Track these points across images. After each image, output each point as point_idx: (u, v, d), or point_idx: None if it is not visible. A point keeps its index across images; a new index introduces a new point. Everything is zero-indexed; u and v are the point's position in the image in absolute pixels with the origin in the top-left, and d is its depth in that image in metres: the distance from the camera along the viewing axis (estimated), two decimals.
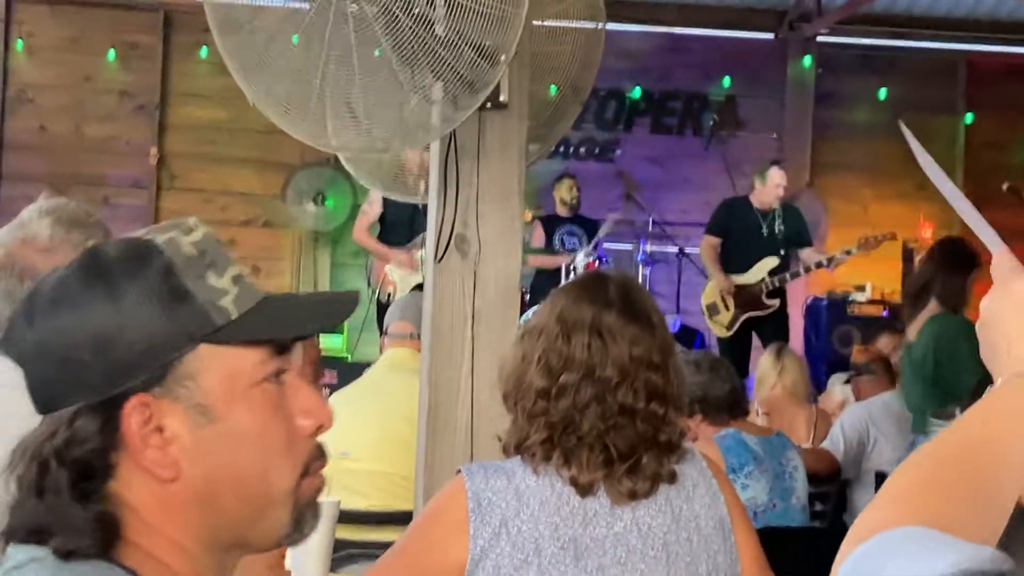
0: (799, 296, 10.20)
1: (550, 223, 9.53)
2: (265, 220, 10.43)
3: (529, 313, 3.23)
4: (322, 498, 1.34)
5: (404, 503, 3.68)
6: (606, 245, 9.75)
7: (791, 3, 10.90)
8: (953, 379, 5.04)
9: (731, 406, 4.41)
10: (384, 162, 4.10)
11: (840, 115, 11.11)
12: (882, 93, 11.02)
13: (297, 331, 1.34)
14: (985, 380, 1.27)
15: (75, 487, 1.20)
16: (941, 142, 10.58)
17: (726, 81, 10.97)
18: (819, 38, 10.95)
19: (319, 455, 1.33)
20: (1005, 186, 8.60)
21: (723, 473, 2.57)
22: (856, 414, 5.92)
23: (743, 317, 8.75)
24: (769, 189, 8.85)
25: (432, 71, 3.00)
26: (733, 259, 8.82)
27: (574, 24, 3.78)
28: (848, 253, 8.92)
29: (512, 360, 2.44)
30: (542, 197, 10.00)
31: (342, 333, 9.38)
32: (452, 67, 2.99)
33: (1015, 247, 1.34)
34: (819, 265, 8.85)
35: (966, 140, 10.97)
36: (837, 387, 7.01)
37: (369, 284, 8.69)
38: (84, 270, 1.26)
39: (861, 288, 10.17)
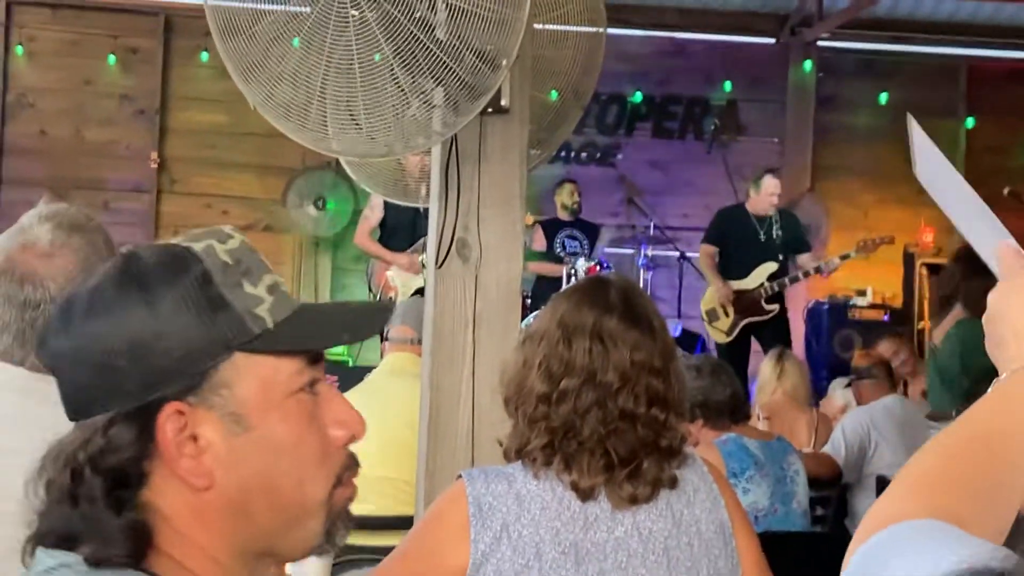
0: (800, 300, 10.20)
1: (551, 227, 9.54)
2: (266, 224, 10.43)
3: (530, 318, 3.23)
4: None
5: (405, 508, 3.68)
6: (607, 250, 9.76)
7: (792, 7, 10.91)
8: (979, 383, 5.05)
9: (732, 411, 4.41)
10: (385, 166, 4.09)
11: (841, 119, 11.12)
12: (883, 98, 11.02)
13: (332, 341, 1.33)
14: None
15: (110, 495, 1.19)
16: (942, 146, 10.38)
17: (727, 85, 10.98)
18: (820, 42, 10.96)
19: (351, 465, 1.32)
20: (1006, 191, 8.59)
21: (724, 478, 2.57)
22: (857, 418, 5.92)
23: (743, 323, 8.76)
24: (763, 197, 8.88)
25: (433, 76, 3.00)
26: (732, 266, 8.84)
27: (575, 28, 3.78)
28: (846, 257, 8.94)
29: (513, 365, 2.44)
30: (543, 201, 10.01)
31: None
32: (453, 72, 2.99)
33: None
34: (816, 271, 8.85)
35: (967, 144, 10.97)
36: (838, 391, 7.01)
37: (370, 289, 8.69)
38: (120, 276, 1.24)
39: (862, 292, 10.18)
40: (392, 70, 3.00)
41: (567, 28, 3.77)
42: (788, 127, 11.02)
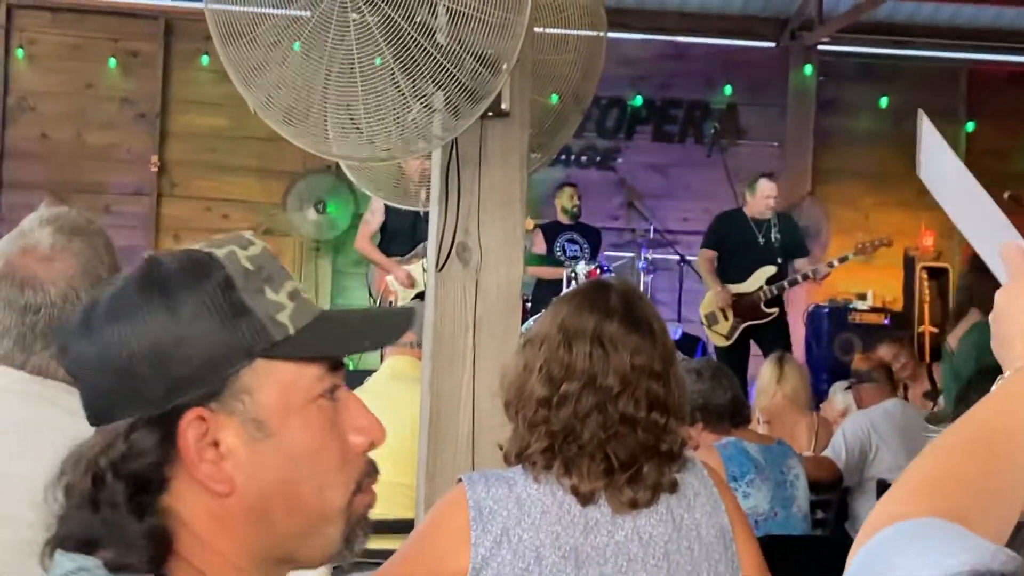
0: (800, 304, 10.20)
1: (551, 231, 9.54)
2: (266, 228, 10.42)
3: (531, 322, 3.23)
4: None
5: (406, 511, 3.68)
6: (607, 253, 9.76)
7: (793, 12, 10.91)
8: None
9: (732, 414, 4.41)
10: (385, 170, 4.09)
11: (841, 123, 11.13)
12: (883, 101, 11.03)
13: (353, 348, 1.34)
14: None
15: (132, 500, 1.19)
16: None
17: (728, 89, 10.99)
18: (820, 46, 10.97)
19: (371, 471, 1.34)
20: (1006, 195, 8.59)
21: (724, 482, 2.57)
22: (858, 422, 5.91)
23: (742, 326, 8.76)
24: (759, 200, 8.89)
25: (433, 80, 3.00)
26: (730, 269, 8.84)
27: (576, 32, 3.78)
28: (844, 259, 8.93)
29: (514, 369, 2.44)
30: (543, 205, 10.01)
31: None
32: (454, 76, 2.99)
33: None
34: (806, 277, 8.85)
35: (967, 148, 10.96)
36: (839, 395, 7.01)
37: (370, 293, 8.69)
38: (142, 281, 1.24)
39: (862, 296, 10.18)
40: (393, 74, 3.00)
41: (568, 32, 3.78)
42: (788, 131, 11.03)
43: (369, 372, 5.06)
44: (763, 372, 6.33)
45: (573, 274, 8.43)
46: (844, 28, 10.44)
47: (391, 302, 8.20)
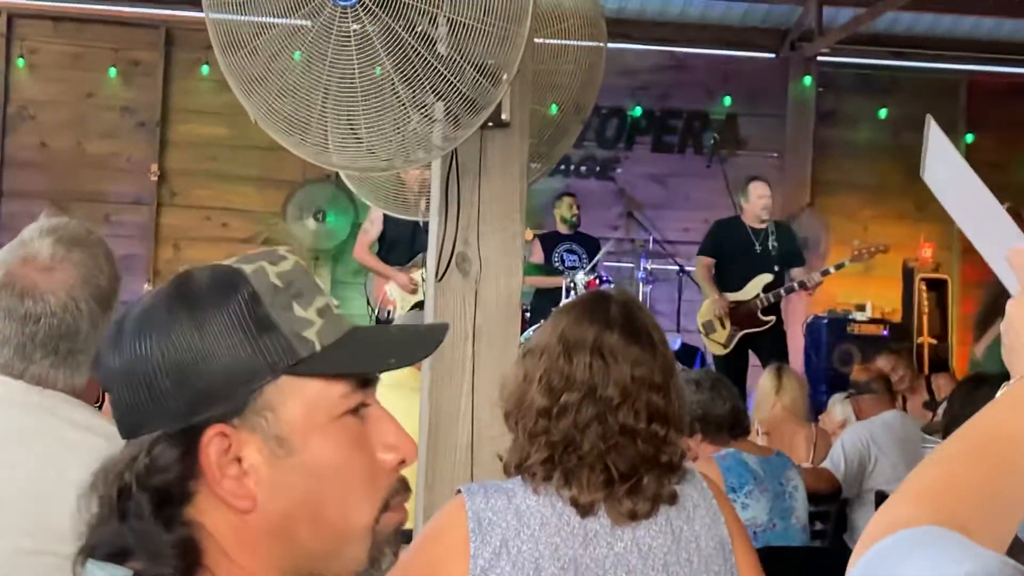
0: (799, 315, 10.20)
1: (550, 241, 9.54)
2: (266, 237, 10.42)
3: (530, 332, 3.23)
4: None
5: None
6: (607, 263, 9.75)
7: (792, 23, 10.93)
8: None
9: (732, 425, 4.41)
10: (385, 180, 4.10)
11: (841, 134, 11.14)
12: (883, 113, 11.04)
13: (380, 365, 1.32)
14: None
15: (157, 512, 1.20)
16: None
17: (727, 100, 11.00)
18: (820, 58, 10.98)
19: (401, 489, 1.31)
20: (1005, 206, 8.60)
21: (723, 493, 2.57)
22: (857, 433, 5.91)
23: (740, 335, 8.75)
24: (754, 204, 8.88)
25: (434, 90, 3.00)
26: (728, 277, 8.84)
27: (576, 43, 3.79)
28: (840, 267, 8.94)
29: (513, 379, 2.44)
30: (542, 215, 10.01)
31: None
32: (454, 86, 2.99)
33: None
34: (801, 286, 8.85)
35: (967, 160, 10.94)
36: (838, 406, 7.01)
37: (369, 302, 8.69)
38: (172, 297, 1.25)
39: (861, 307, 10.17)
40: (393, 84, 3.00)
41: (568, 42, 3.78)
42: (788, 142, 11.04)
43: None
44: (762, 383, 6.32)
45: (572, 284, 8.43)
46: (844, 39, 10.45)
47: (389, 311, 8.19)
